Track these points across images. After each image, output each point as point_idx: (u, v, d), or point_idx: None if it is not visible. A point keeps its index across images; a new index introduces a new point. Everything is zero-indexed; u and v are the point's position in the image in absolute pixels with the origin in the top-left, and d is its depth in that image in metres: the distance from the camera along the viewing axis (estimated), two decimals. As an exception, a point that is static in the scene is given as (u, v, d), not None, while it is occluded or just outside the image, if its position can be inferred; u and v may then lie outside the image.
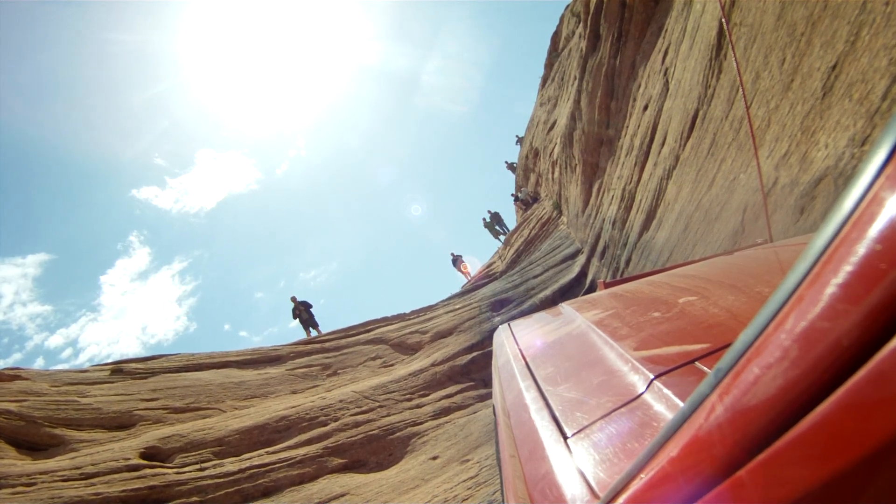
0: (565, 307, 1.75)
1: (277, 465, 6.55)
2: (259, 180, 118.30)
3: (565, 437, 0.78)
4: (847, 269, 0.31)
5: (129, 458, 6.37)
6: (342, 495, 5.93)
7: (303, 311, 15.40)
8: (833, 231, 0.34)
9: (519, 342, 1.50)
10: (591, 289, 9.97)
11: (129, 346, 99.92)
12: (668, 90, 6.86)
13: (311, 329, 15.29)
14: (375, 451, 7.22)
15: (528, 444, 0.86)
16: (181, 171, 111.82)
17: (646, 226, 7.17)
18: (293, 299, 15.58)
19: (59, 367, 16.60)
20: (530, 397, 1.02)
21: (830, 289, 0.32)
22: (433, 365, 9.80)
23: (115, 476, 6.01)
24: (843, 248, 0.32)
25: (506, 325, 1.88)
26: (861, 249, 0.31)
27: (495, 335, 1.87)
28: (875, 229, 0.30)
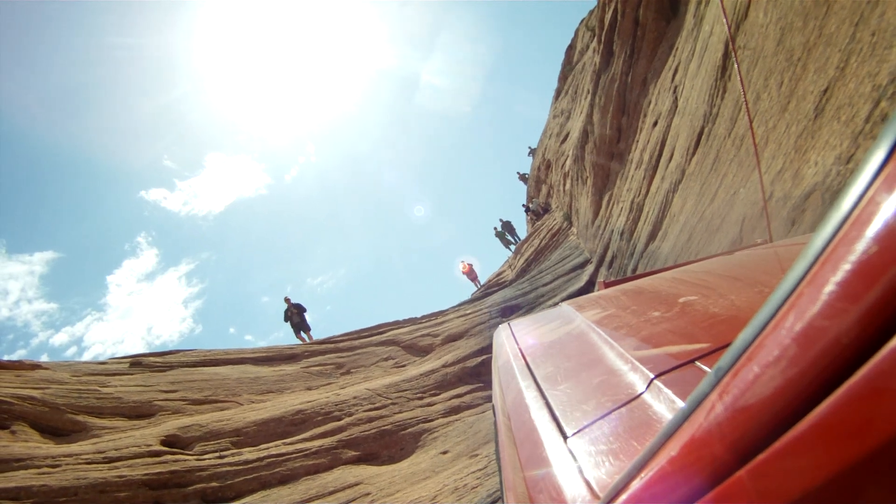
0: (565, 307, 1.74)
1: (294, 456, 6.79)
2: (268, 185, 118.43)
3: (565, 437, 0.78)
4: (846, 267, 0.31)
5: (150, 445, 6.54)
6: (356, 484, 6.17)
7: (295, 314, 14.76)
8: (832, 230, 0.34)
9: (519, 342, 1.49)
10: (599, 298, 10.09)
11: (133, 347, 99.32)
12: (676, 107, 7.10)
13: (302, 333, 14.63)
14: (388, 445, 7.46)
15: (528, 444, 0.86)
16: (190, 173, 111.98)
17: (652, 236, 7.39)
18: (287, 300, 14.90)
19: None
20: (530, 397, 1.02)
21: (830, 287, 0.32)
22: (444, 366, 10.05)
23: (138, 461, 6.19)
24: (842, 247, 0.32)
25: (506, 324, 1.85)
26: (860, 248, 0.31)
27: (495, 335, 1.82)
28: (874, 228, 0.30)
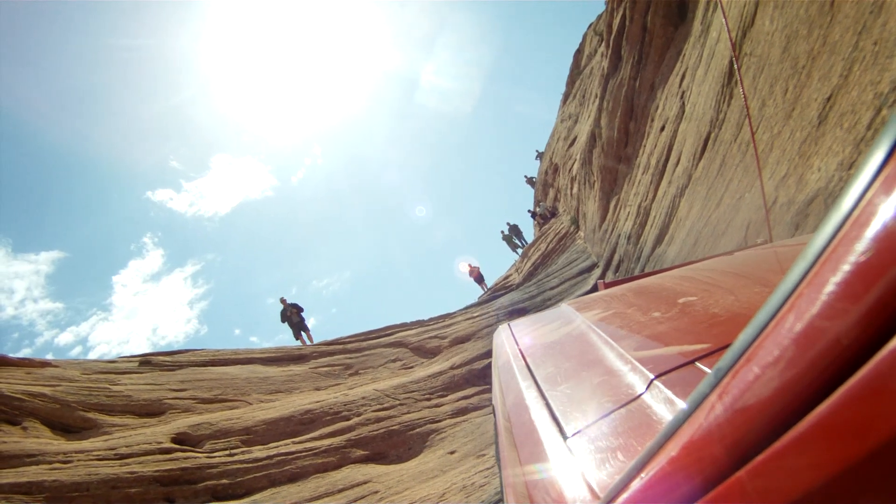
0: (565, 307, 1.74)
1: (303, 454, 6.87)
2: (274, 187, 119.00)
3: (565, 438, 0.78)
4: (846, 268, 0.31)
5: (161, 442, 6.62)
6: (365, 482, 6.25)
7: (293, 314, 14.46)
8: (832, 230, 0.34)
9: (519, 342, 1.49)
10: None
11: (139, 347, 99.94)
12: (683, 112, 7.15)
13: (302, 333, 14.40)
14: (396, 445, 7.53)
15: (529, 444, 0.86)
16: (197, 174, 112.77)
17: (658, 240, 7.44)
18: (283, 301, 14.54)
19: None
20: (530, 397, 1.02)
21: (829, 288, 0.32)
22: (452, 368, 10.12)
23: (149, 457, 6.26)
24: (842, 247, 0.32)
25: (506, 325, 1.83)
26: (860, 248, 0.31)
27: (495, 335, 1.82)
28: (874, 228, 0.30)
